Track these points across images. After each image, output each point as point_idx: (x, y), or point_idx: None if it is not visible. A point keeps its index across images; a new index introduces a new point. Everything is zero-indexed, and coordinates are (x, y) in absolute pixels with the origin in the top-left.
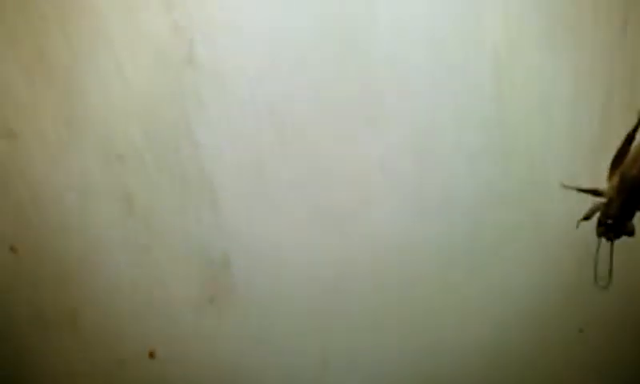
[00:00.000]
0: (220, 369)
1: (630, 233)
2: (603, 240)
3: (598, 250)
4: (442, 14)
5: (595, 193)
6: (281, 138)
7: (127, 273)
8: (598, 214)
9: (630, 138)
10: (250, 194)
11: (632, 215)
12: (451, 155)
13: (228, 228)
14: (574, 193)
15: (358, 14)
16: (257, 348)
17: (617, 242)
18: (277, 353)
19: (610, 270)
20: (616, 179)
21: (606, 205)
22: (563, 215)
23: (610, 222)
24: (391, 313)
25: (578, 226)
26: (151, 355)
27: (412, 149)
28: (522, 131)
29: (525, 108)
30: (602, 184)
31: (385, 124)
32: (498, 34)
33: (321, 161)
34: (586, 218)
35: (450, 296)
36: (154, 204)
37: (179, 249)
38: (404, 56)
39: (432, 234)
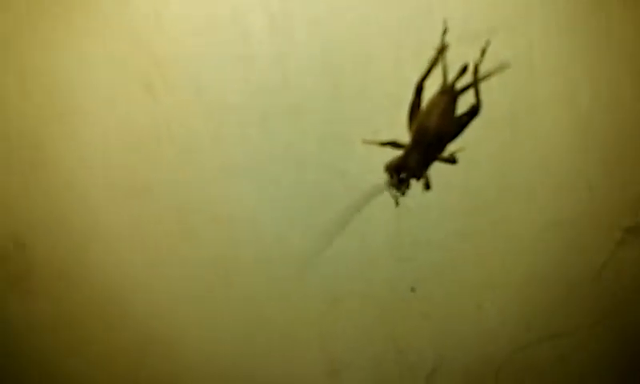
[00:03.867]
0: (31, 359)
1: (427, 186)
2: None
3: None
4: None
5: (395, 145)
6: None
7: None
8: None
9: (419, 90)
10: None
11: (428, 166)
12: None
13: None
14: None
15: None
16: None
17: None
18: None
19: None
20: (413, 131)
21: (403, 157)
22: (370, 171)
23: (403, 175)
24: (214, 274)
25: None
26: None
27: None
28: (314, 90)
29: (314, 67)
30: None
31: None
32: None
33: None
34: (388, 169)
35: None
36: None
37: None
38: None
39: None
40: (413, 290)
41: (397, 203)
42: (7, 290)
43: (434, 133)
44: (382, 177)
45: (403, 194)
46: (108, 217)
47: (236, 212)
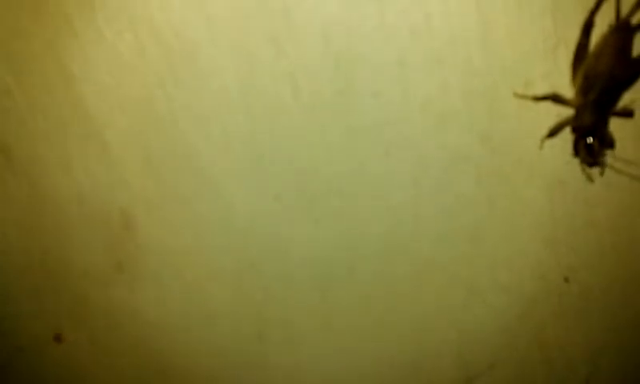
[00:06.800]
0: (138, 348)
1: (610, 144)
2: None
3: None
4: None
5: (556, 98)
6: (171, 68)
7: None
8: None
9: (588, 26)
10: (143, 134)
11: (607, 121)
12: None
13: (123, 179)
14: (530, 104)
15: None
16: (179, 320)
17: None
18: (203, 324)
19: None
20: (580, 79)
21: (576, 114)
22: (520, 134)
23: (589, 140)
24: (335, 266)
25: (541, 147)
26: (57, 339)
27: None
28: (458, 35)
29: (459, 7)
30: (565, 89)
31: (293, 42)
32: None
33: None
34: (552, 133)
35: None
36: (34, 156)
37: (70, 209)
38: None
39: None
40: (566, 280)
41: (590, 179)
42: (114, 275)
43: (606, 79)
44: (535, 143)
45: (598, 164)
46: (228, 191)
47: (361, 183)
